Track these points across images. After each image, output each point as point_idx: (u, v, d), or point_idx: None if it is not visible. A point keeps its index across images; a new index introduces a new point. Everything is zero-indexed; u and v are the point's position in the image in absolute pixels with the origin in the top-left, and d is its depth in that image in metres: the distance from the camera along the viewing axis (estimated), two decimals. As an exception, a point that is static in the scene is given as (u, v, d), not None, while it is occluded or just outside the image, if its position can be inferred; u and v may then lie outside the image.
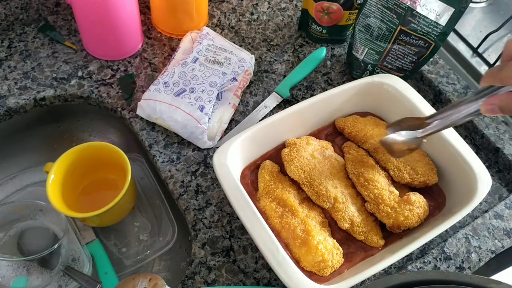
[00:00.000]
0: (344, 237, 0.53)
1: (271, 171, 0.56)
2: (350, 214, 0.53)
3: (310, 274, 0.49)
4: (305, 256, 0.49)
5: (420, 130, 0.50)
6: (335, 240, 0.51)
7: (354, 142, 0.61)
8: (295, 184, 0.56)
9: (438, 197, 0.57)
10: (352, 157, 0.58)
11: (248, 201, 0.49)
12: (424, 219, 0.54)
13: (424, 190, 0.57)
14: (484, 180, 0.53)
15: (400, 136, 0.53)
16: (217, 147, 0.55)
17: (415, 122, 0.51)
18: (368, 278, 0.54)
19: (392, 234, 0.54)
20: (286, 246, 0.51)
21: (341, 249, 0.51)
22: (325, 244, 0.50)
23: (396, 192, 0.54)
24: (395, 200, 0.53)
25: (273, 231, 0.49)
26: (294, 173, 0.55)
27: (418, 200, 0.53)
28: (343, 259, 0.51)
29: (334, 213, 0.53)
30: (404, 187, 0.57)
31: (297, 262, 0.50)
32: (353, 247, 0.53)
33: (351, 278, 0.46)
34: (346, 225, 0.52)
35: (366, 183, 0.54)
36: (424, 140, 0.51)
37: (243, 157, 0.56)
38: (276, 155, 0.59)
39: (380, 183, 0.54)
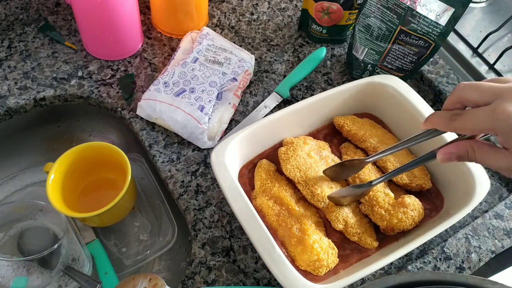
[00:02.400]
0: (340, 238, 0.53)
1: (267, 170, 0.56)
2: (344, 215, 0.53)
3: (305, 274, 0.49)
4: (300, 255, 0.49)
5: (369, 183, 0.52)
6: (330, 240, 0.51)
7: (352, 141, 0.61)
8: (291, 184, 0.56)
9: (436, 199, 0.57)
10: (349, 158, 0.58)
11: (244, 198, 0.49)
12: (422, 221, 0.54)
13: (422, 192, 0.57)
14: (482, 182, 0.53)
15: (346, 189, 0.53)
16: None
17: (354, 163, 0.52)
18: (363, 279, 0.54)
19: (389, 235, 0.54)
20: (282, 245, 0.51)
21: (336, 249, 0.51)
22: (321, 244, 0.49)
23: (392, 194, 0.54)
24: (389, 202, 0.53)
25: (269, 229, 0.49)
26: (289, 172, 0.55)
27: (412, 203, 0.53)
28: (338, 259, 0.51)
29: (328, 214, 0.53)
30: (400, 190, 0.57)
31: (292, 261, 0.50)
32: (349, 248, 0.53)
33: (345, 278, 0.46)
34: (340, 226, 0.52)
35: None
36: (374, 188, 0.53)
37: (241, 155, 0.57)
38: (273, 154, 0.59)
39: (376, 185, 0.54)
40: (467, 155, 0.39)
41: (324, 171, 0.55)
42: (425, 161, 0.47)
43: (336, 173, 0.55)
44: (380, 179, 0.53)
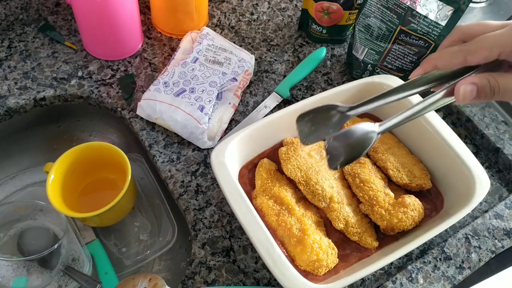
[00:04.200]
0: (340, 238, 0.53)
1: (268, 169, 0.56)
2: (345, 214, 0.53)
3: (305, 273, 0.49)
4: (300, 255, 0.49)
5: (377, 125, 0.38)
6: (330, 240, 0.51)
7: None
8: (292, 183, 0.56)
9: (436, 199, 0.57)
10: None
11: (244, 198, 0.49)
12: (422, 221, 0.54)
13: (422, 192, 0.57)
14: (482, 183, 0.53)
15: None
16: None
17: (329, 114, 0.39)
18: (363, 279, 0.54)
19: (389, 235, 0.54)
20: (282, 244, 0.51)
21: (336, 249, 0.51)
22: (320, 244, 0.50)
23: (392, 194, 0.54)
24: (389, 202, 0.53)
25: (269, 229, 0.49)
26: (290, 171, 0.55)
27: (413, 203, 0.53)
28: (337, 259, 0.51)
29: (329, 213, 0.53)
30: (400, 190, 0.57)
31: (292, 261, 0.50)
32: (349, 249, 0.53)
33: (345, 278, 0.46)
34: (340, 225, 0.52)
35: (362, 184, 0.54)
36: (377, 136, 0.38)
37: (241, 155, 0.57)
38: (273, 154, 0.59)
39: (376, 185, 0.54)
40: (489, 86, 0.34)
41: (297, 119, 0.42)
42: (435, 104, 0.37)
43: (310, 128, 0.41)
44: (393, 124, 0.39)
